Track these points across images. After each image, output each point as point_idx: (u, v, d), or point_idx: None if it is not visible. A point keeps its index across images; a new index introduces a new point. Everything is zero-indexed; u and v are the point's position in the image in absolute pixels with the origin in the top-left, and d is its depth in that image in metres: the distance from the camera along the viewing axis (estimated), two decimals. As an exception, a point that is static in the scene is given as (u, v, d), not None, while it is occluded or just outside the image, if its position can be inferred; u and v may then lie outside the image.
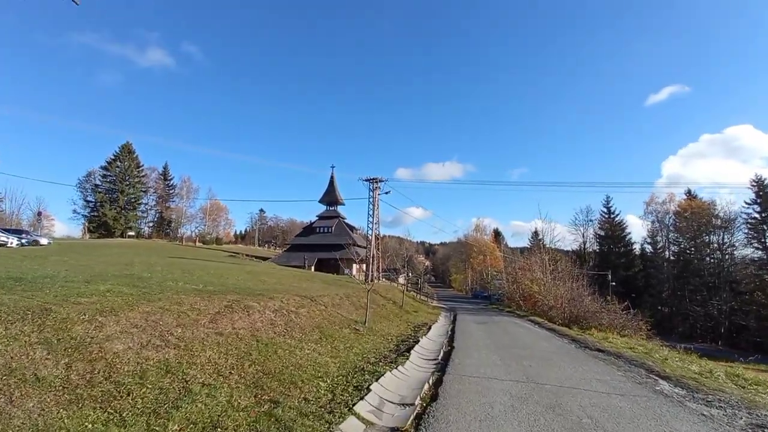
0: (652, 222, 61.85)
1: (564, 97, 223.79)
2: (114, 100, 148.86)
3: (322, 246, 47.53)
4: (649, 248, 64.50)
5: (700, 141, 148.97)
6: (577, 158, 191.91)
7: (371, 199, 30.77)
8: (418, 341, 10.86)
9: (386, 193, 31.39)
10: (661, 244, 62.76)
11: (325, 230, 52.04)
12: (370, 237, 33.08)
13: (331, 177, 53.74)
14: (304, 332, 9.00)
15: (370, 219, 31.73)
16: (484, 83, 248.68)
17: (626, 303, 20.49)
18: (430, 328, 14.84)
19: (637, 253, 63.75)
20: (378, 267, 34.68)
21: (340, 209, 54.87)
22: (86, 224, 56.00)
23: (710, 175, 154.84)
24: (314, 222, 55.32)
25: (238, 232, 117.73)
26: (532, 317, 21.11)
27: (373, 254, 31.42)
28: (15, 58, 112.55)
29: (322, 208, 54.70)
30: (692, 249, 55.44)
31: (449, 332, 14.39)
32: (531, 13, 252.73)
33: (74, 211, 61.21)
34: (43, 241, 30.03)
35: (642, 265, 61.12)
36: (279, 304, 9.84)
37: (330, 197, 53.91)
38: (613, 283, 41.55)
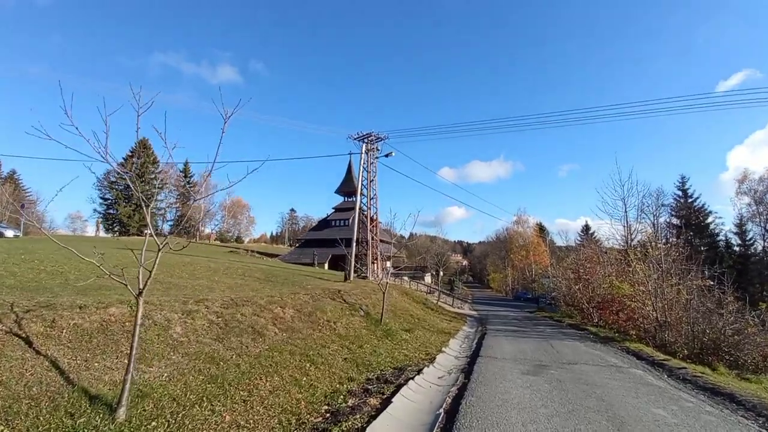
0: (748, 204, 49.56)
1: (620, 89, 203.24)
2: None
3: (338, 240, 41.93)
4: (736, 239, 52.31)
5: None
6: (633, 152, 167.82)
7: (365, 164, 23.11)
8: None
9: (386, 155, 24.03)
10: (752, 233, 50.47)
11: (342, 223, 46.09)
12: (371, 218, 25.91)
13: (349, 165, 47.51)
14: None
15: (365, 191, 24.42)
16: (538, 75, 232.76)
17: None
18: (381, 409, 5.06)
19: (722, 245, 51.71)
20: (376, 258, 27.35)
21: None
22: (99, 221, 54.48)
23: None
24: (330, 215, 49.59)
25: (273, 233, 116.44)
26: (627, 344, 12.13)
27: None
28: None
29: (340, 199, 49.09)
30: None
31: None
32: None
33: (94, 210, 60.28)
34: (9, 233, 27.05)
35: (731, 260, 49.27)
36: None
37: (348, 187, 47.82)
38: (711, 283, 31.38)
